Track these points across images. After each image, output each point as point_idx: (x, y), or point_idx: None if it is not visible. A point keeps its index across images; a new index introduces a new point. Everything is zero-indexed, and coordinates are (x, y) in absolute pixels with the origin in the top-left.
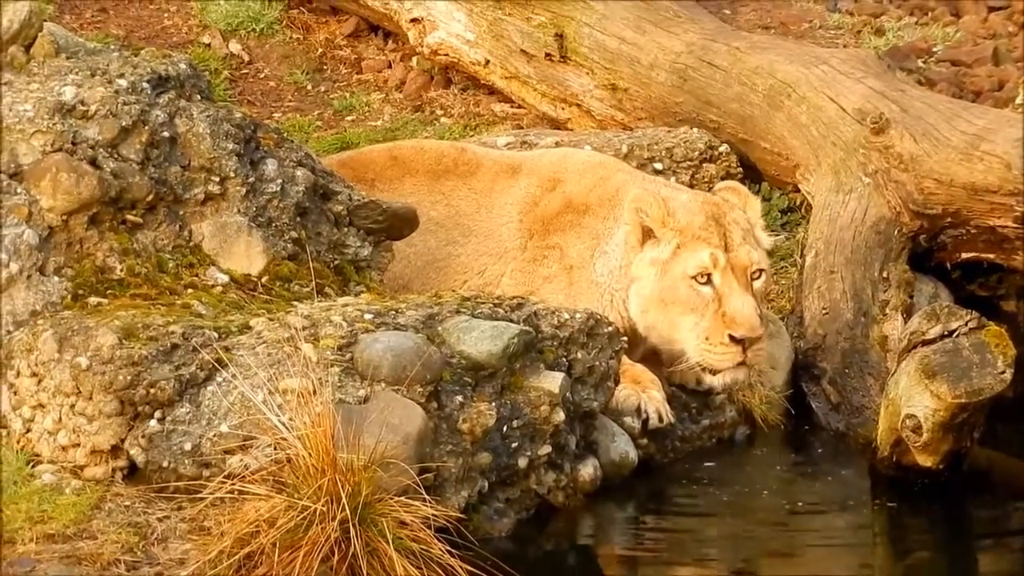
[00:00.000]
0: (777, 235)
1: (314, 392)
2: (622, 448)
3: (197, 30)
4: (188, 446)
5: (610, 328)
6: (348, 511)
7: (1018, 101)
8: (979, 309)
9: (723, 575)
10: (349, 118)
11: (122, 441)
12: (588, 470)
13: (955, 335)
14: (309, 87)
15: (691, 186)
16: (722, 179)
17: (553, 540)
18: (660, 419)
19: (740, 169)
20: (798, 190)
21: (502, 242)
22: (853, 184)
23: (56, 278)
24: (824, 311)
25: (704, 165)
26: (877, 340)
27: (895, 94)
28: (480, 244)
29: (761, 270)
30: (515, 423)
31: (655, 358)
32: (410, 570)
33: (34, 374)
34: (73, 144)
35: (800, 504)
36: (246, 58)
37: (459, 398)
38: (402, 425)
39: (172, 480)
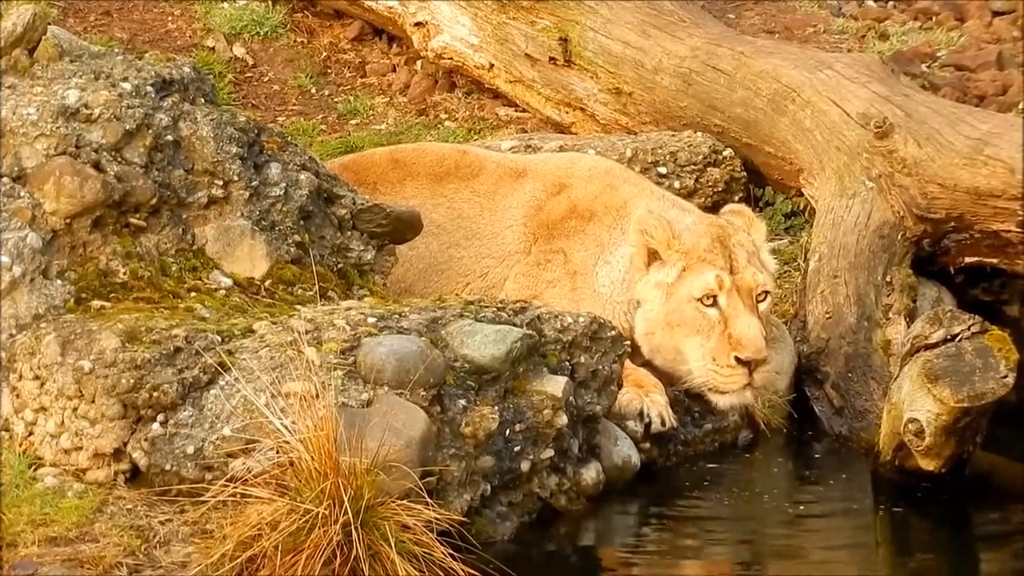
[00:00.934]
0: (781, 239)
1: (317, 396)
2: (625, 452)
3: (201, 34)
4: (191, 449)
5: (613, 332)
6: (350, 514)
7: (1021, 106)
8: (982, 313)
9: None
10: (353, 122)
11: (125, 444)
12: (591, 474)
13: (958, 339)
14: (313, 91)
15: (695, 190)
16: (725, 183)
17: (555, 544)
18: (663, 423)
19: (744, 173)
20: (802, 194)
21: (505, 245)
22: (857, 188)
23: (59, 281)
24: (827, 315)
25: (708, 169)
26: (880, 344)
27: (899, 98)
28: (483, 247)
29: (766, 292)
30: (518, 427)
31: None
32: (412, 573)
33: (37, 377)
34: (77, 147)
35: (802, 508)
36: (250, 62)
37: (462, 402)
38: (405, 429)
39: (174, 483)
